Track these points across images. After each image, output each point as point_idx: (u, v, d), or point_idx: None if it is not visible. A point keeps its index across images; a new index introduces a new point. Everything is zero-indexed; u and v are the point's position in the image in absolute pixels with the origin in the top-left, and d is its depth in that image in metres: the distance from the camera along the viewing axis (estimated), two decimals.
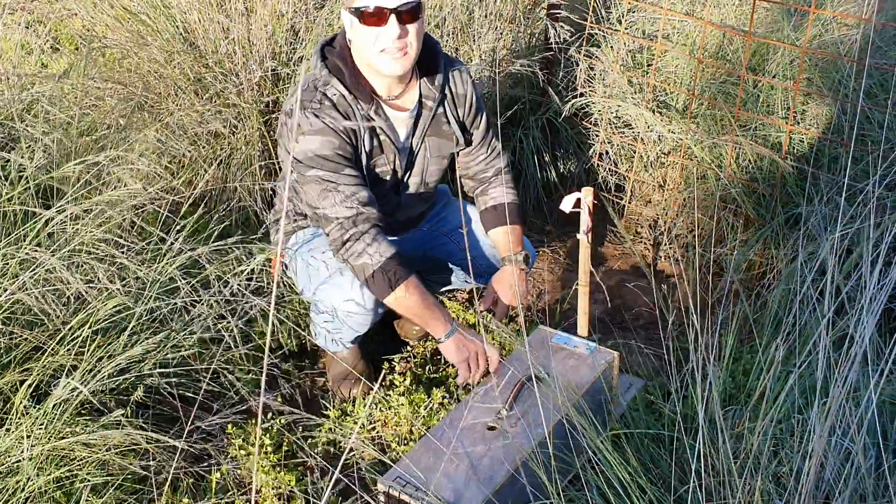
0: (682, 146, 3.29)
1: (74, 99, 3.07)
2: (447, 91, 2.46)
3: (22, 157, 2.43)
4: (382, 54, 2.24)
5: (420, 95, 2.40)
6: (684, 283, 3.09)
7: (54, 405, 2.00)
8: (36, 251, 2.13)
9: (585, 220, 2.27)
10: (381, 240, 2.28)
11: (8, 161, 2.55)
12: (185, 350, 2.28)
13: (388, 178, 2.44)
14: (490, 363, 2.29)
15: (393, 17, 2.20)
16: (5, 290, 2.06)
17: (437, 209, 2.75)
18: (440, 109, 2.45)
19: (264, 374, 1.38)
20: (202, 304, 2.29)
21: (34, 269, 2.12)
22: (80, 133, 2.94)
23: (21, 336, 2.13)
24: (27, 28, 4.26)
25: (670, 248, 3.31)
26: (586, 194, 2.25)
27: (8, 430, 1.98)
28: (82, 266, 2.22)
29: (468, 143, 2.57)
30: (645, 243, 3.42)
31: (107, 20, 3.45)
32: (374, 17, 2.20)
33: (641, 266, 3.29)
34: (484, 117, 2.58)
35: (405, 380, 2.53)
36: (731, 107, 3.22)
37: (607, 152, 3.57)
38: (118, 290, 2.16)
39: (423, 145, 2.47)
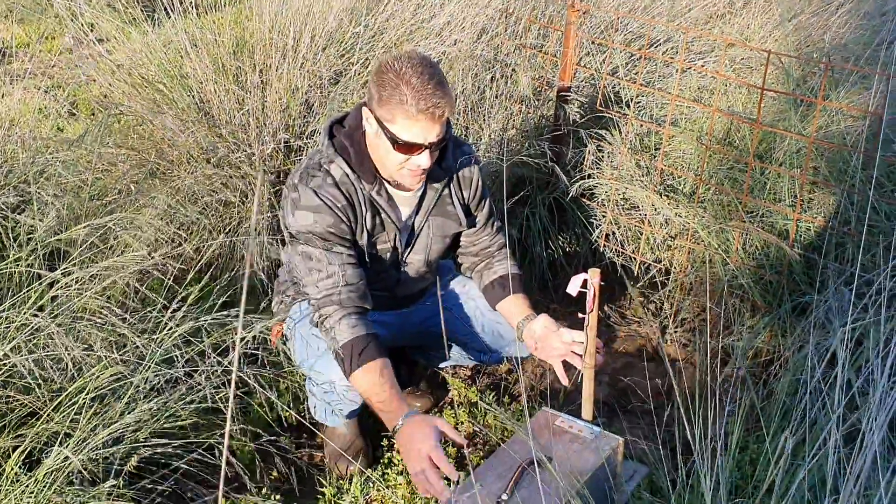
0: (689, 230, 3.29)
1: (87, 164, 3.09)
2: (454, 173, 2.47)
3: (32, 219, 2.44)
4: (404, 171, 2.25)
5: (426, 176, 2.41)
6: (690, 367, 3.05)
7: (45, 473, 1.96)
8: (37, 316, 2.11)
9: (591, 302, 2.25)
10: (354, 319, 2.25)
11: (17, 223, 2.57)
12: (182, 420, 2.24)
13: (387, 255, 2.44)
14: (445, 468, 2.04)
15: (427, 151, 2.20)
16: (4, 355, 2.03)
17: (441, 284, 2.74)
18: (445, 191, 2.45)
19: None
20: (199, 373, 2.26)
21: (33, 334, 2.10)
22: (91, 197, 2.96)
23: (16, 400, 2.10)
24: (46, 93, 4.34)
25: (676, 332, 3.28)
26: (593, 275, 2.24)
27: None
28: (81, 332, 2.21)
29: (471, 224, 2.57)
30: (651, 326, 3.39)
31: (124, 87, 3.51)
32: (409, 148, 2.18)
33: (648, 348, 3.26)
34: (487, 201, 2.58)
35: None
36: (738, 193, 3.24)
37: (614, 233, 3.57)
38: (116, 359, 2.13)
39: (426, 224, 2.46)
